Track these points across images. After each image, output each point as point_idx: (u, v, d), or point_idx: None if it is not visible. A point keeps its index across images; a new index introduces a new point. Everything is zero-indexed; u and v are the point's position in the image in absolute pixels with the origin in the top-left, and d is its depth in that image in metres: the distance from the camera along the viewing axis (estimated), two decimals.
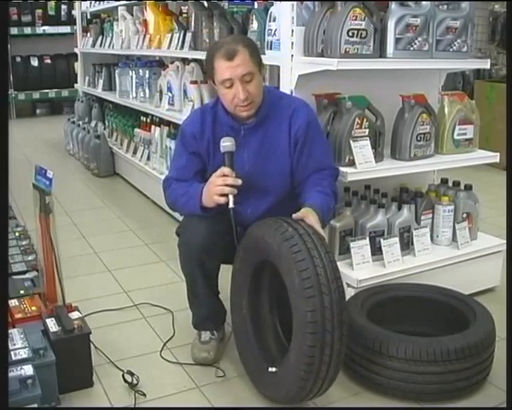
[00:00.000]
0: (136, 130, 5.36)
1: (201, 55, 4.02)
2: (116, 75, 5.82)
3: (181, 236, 2.44)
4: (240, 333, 2.38)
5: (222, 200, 2.25)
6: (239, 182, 2.25)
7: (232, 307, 2.42)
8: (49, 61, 10.05)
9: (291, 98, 2.59)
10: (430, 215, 3.04)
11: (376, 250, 2.79)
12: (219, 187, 2.25)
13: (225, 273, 2.47)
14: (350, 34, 2.70)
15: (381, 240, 2.77)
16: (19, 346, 2.12)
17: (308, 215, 2.16)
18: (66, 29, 9.83)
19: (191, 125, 2.48)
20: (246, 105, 2.30)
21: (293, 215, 2.15)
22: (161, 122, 4.80)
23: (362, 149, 2.75)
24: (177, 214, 3.27)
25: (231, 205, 2.24)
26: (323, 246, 2.04)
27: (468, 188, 3.12)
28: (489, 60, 3.30)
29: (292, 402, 2.14)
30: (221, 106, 2.42)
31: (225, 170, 2.26)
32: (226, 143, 2.29)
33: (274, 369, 2.14)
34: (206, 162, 2.44)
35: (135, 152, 5.30)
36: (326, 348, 1.96)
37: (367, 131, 2.79)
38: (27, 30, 9.81)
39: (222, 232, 2.33)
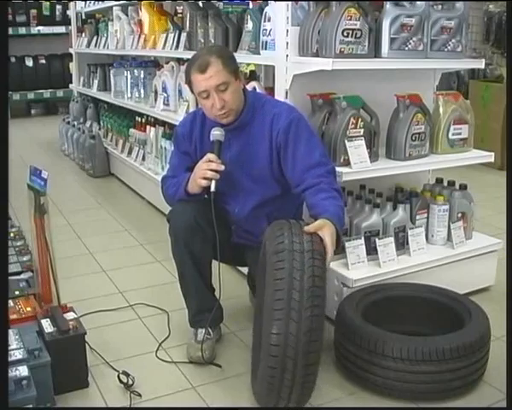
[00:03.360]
0: (132, 130, 5.36)
1: None
2: (111, 75, 5.81)
3: (169, 220, 2.51)
4: (255, 328, 2.36)
5: (204, 183, 2.35)
6: (222, 167, 2.35)
7: (256, 300, 2.41)
8: (43, 61, 10.03)
9: (275, 103, 2.60)
10: (425, 215, 3.05)
11: (371, 250, 2.79)
12: (203, 171, 2.36)
13: (226, 274, 2.47)
14: (345, 34, 2.70)
15: (376, 240, 2.78)
16: (14, 347, 2.11)
17: (323, 227, 2.10)
18: (61, 29, 9.80)
19: (181, 127, 2.64)
20: (224, 113, 2.38)
21: (306, 227, 2.08)
22: (156, 122, 4.81)
23: (357, 149, 2.75)
24: None
25: (213, 189, 2.34)
26: (312, 268, 1.94)
27: (463, 187, 3.13)
28: (484, 59, 3.32)
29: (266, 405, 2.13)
30: None
31: (210, 156, 2.36)
32: (216, 132, 2.40)
33: None
34: (194, 162, 2.49)
35: (130, 152, 5.30)
36: (287, 372, 1.92)
37: (362, 130, 2.80)
38: (22, 30, 9.78)
39: (207, 216, 2.36)
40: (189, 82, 2.42)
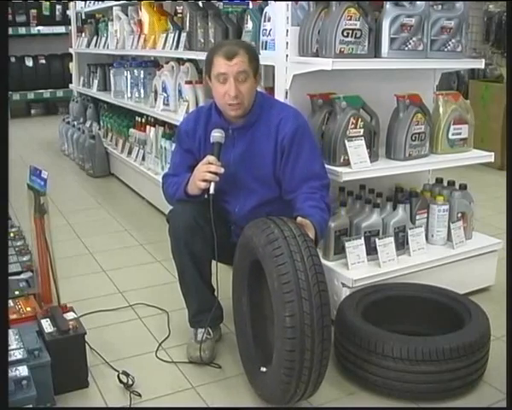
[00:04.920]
0: (131, 130, 5.36)
1: (196, 56, 4.02)
2: (111, 75, 5.81)
3: (169, 220, 2.51)
4: (240, 330, 2.38)
5: (203, 185, 2.36)
6: (221, 170, 2.35)
7: (233, 304, 2.41)
8: (43, 61, 10.03)
9: (282, 107, 2.61)
10: (425, 215, 3.05)
11: (371, 250, 2.79)
12: (202, 173, 2.36)
13: (225, 274, 2.46)
14: (344, 34, 2.70)
15: (376, 240, 2.77)
16: (14, 347, 2.12)
17: (306, 225, 2.20)
18: (61, 29, 9.80)
19: (185, 124, 2.64)
20: (235, 104, 2.38)
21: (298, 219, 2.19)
22: (156, 122, 4.81)
23: (357, 149, 2.75)
24: None
25: (211, 191, 2.35)
26: (308, 249, 2.01)
27: (463, 187, 3.13)
28: (483, 59, 3.31)
29: (279, 403, 2.13)
30: (215, 108, 2.51)
31: (210, 158, 2.37)
32: (216, 134, 2.40)
33: (264, 369, 2.14)
34: (197, 160, 2.49)
35: (130, 152, 5.29)
36: (306, 353, 1.94)
37: (362, 130, 2.80)
38: (22, 30, 9.77)
39: (207, 216, 2.36)
40: (209, 62, 2.41)
